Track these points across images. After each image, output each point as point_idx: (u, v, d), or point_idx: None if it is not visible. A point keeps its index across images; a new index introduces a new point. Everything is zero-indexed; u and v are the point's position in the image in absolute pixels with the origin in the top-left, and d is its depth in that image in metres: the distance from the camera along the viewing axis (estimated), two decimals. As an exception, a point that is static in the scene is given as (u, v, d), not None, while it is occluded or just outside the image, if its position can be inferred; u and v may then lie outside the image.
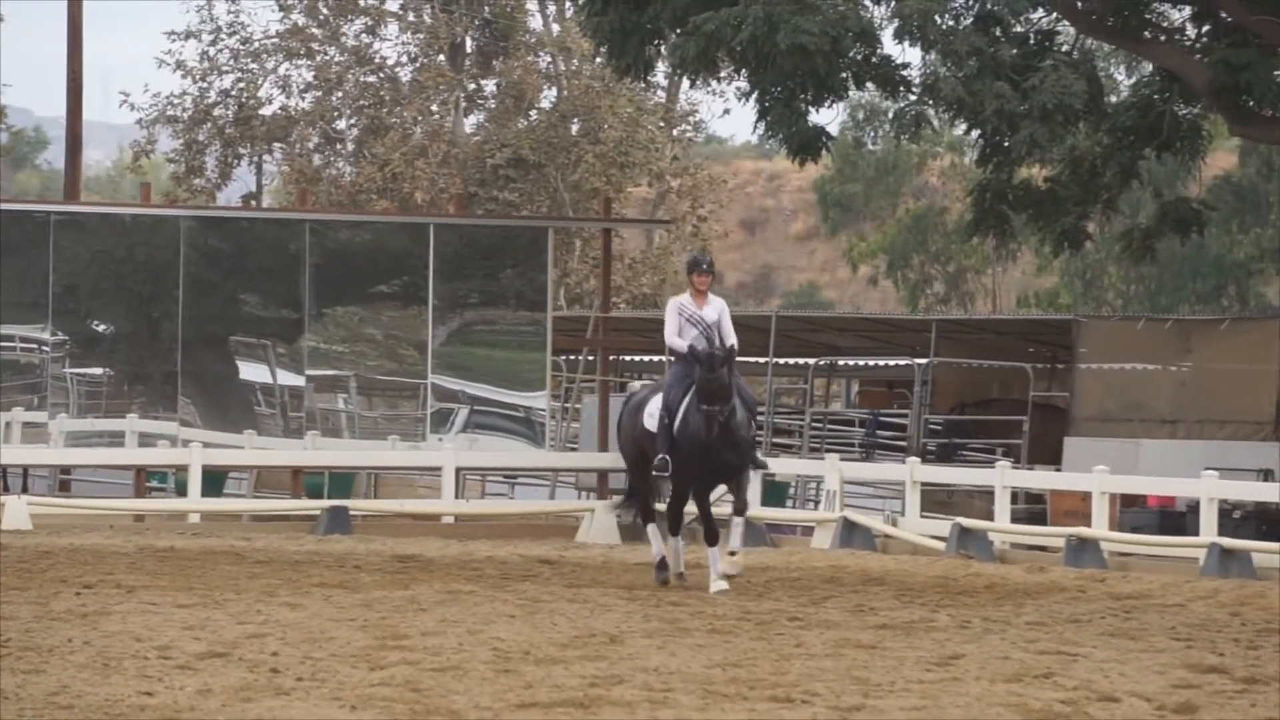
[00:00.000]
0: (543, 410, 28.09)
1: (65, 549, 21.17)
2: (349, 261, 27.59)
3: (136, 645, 12.90)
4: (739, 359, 18.65)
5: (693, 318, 18.55)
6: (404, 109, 45.53)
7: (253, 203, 45.89)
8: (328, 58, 45.46)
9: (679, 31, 25.22)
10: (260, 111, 45.51)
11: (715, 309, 18.65)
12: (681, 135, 48.06)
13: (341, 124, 46.09)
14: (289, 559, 20.70)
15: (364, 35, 45.69)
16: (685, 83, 43.29)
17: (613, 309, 30.94)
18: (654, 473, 18.76)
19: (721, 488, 19.01)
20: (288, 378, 27.40)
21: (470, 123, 46.72)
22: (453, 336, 27.64)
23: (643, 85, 40.21)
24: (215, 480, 27.83)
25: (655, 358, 34.73)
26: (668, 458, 18.35)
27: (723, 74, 28.49)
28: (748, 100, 25.72)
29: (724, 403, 18.12)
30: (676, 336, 18.55)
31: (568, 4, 45.42)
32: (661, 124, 46.45)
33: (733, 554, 18.22)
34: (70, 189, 34.78)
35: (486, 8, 45.69)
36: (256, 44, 45.39)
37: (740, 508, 18.58)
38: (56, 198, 43.64)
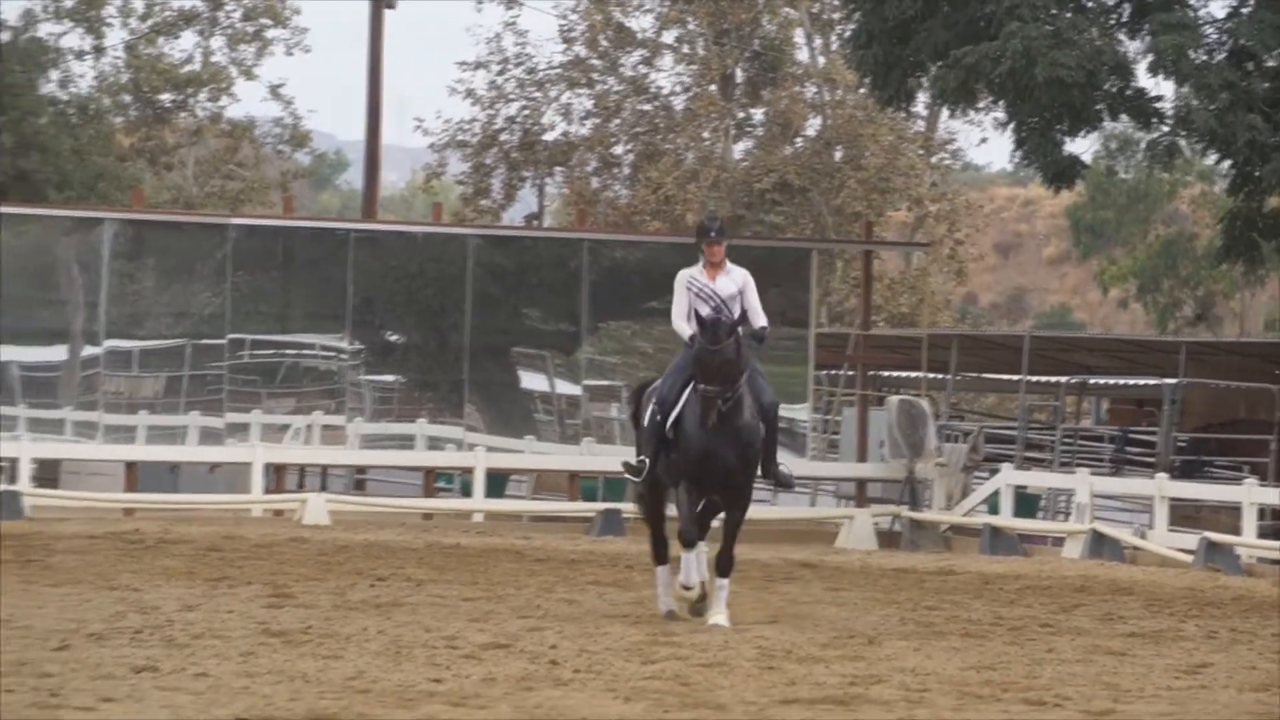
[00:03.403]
0: (805, 422, 28.02)
1: (361, 544, 21.50)
2: (623, 278, 27.75)
3: (426, 635, 13.06)
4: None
5: (703, 292, 14.52)
6: (677, 136, 45.69)
7: (535, 223, 46.32)
8: (607, 87, 45.77)
9: (940, 64, 25.10)
10: (543, 137, 45.93)
11: (735, 281, 14.64)
12: (940, 162, 47.72)
13: (619, 149, 46.36)
14: (566, 558, 20.84)
15: (641, 66, 45.93)
16: (945, 112, 43.07)
17: (872, 327, 30.80)
18: (626, 475, 15.03)
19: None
20: (565, 387, 27.62)
21: (739, 149, 46.77)
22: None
23: (903, 115, 39.95)
24: (497, 482, 28.12)
25: (912, 374, 34.50)
26: (646, 460, 14.55)
27: (981, 104, 28.21)
28: (1005, 130, 25.57)
29: (726, 384, 14.12)
30: (685, 320, 14.51)
31: (834, 38, 45.32)
32: (921, 151, 46.16)
33: (715, 624, 14.26)
34: (368, 208, 35.39)
35: (757, 41, 45.72)
36: (541, 74, 45.83)
37: (725, 565, 14.46)
38: (355, 216, 44.37)
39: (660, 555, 15.10)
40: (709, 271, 14.64)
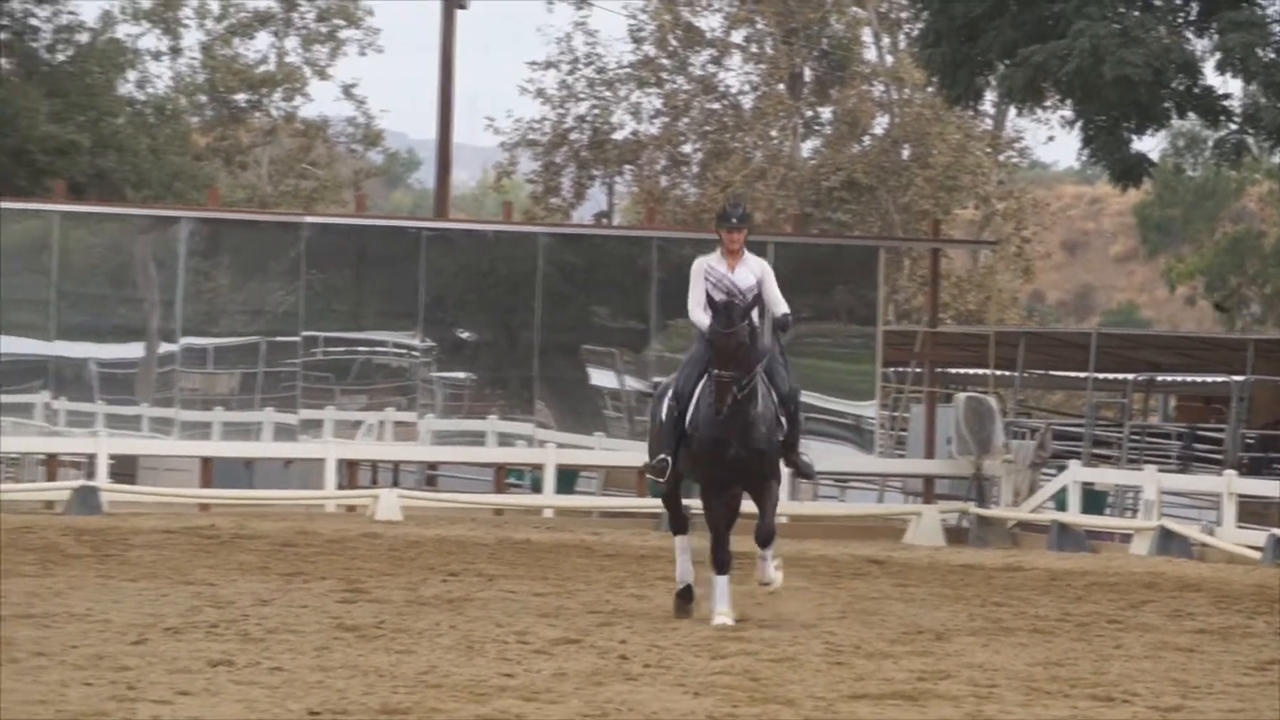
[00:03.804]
0: (872, 419, 27.96)
1: (432, 539, 21.54)
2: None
3: (497, 630, 13.07)
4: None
5: (721, 283, 13.89)
6: (745, 134, 45.66)
7: (604, 221, 46.35)
8: (676, 86, 45.77)
9: (1007, 63, 25.01)
10: (613, 136, 45.97)
11: (753, 271, 14.08)
12: (1007, 161, 47.56)
13: (687, 148, 46.35)
14: (635, 553, 20.82)
15: (710, 65, 45.91)
16: (1012, 111, 42.87)
17: (939, 325, 30.70)
18: (648, 475, 14.56)
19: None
20: (634, 384, 27.62)
21: (807, 147, 46.70)
22: (787, 347, 27.57)
23: (971, 113, 39.83)
24: (567, 478, 28.14)
25: (980, 371, 34.38)
26: (668, 459, 14.06)
27: (1048, 103, 28.11)
28: (1072, 128, 25.45)
29: (741, 370, 13.63)
30: (701, 310, 13.89)
31: (902, 36, 45.19)
32: (988, 150, 46.00)
33: (765, 584, 14.45)
34: (439, 207, 35.46)
35: (825, 40, 45.65)
36: (610, 73, 45.86)
37: (764, 535, 14.15)
38: (427, 215, 44.48)
39: (680, 526, 14.81)
40: (727, 260, 14.03)
